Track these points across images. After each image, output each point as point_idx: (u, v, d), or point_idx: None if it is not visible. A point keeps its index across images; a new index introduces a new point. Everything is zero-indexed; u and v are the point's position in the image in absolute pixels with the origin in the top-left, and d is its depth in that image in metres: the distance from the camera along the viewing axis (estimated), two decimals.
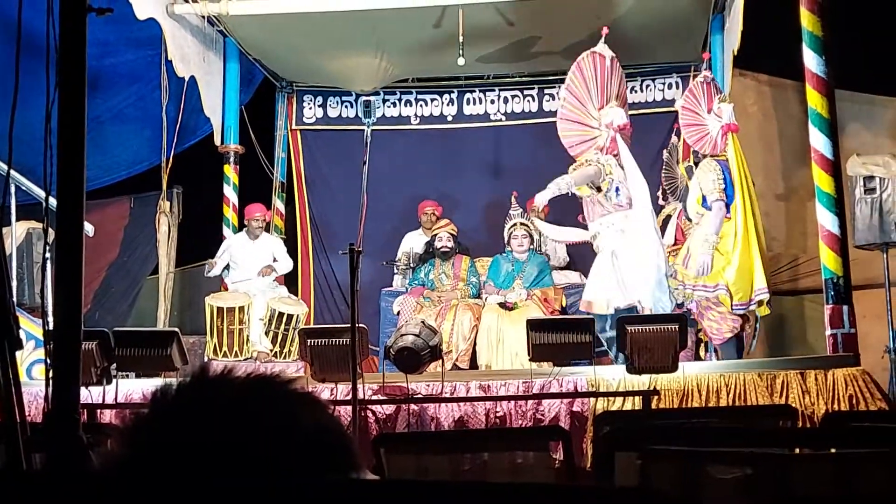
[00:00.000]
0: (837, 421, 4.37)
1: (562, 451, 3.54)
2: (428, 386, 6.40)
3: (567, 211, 8.31)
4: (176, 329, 6.64)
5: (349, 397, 5.24)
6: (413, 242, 9.31)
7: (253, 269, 8.64)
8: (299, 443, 1.06)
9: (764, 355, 8.78)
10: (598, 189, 7.42)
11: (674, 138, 8.76)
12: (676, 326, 5.98)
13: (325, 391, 6.24)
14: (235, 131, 9.54)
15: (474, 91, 10.17)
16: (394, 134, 10.08)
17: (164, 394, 1.08)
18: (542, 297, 8.18)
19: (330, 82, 10.07)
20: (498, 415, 6.24)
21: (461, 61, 8.29)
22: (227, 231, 9.42)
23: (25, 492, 0.99)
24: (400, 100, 10.26)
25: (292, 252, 9.43)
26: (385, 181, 9.50)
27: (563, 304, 8.38)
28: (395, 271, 9.25)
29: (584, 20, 8.68)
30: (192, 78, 8.79)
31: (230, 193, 9.52)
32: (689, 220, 7.55)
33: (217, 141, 9.45)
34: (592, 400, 6.18)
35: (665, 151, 8.77)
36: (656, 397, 6.00)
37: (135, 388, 6.50)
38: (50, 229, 2.26)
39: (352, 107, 10.25)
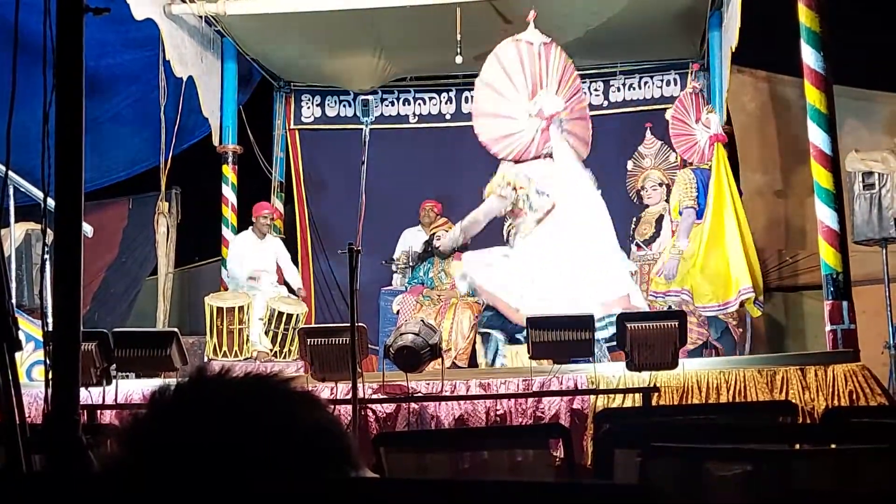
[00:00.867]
0: (837, 417, 4.37)
1: (562, 449, 3.54)
2: (428, 384, 6.40)
3: None
4: (175, 329, 6.64)
5: (349, 396, 5.24)
6: (411, 239, 9.31)
7: (258, 267, 8.64)
8: (298, 441, 1.06)
9: (764, 351, 8.79)
10: (514, 213, 7.03)
11: (645, 143, 8.77)
12: (676, 323, 5.98)
13: (324, 390, 6.24)
14: (234, 131, 9.53)
15: (472, 89, 10.14)
16: (392, 133, 10.08)
17: (162, 395, 1.08)
18: None
19: (328, 82, 10.07)
20: (498, 413, 6.24)
21: (459, 60, 8.29)
22: (225, 231, 9.41)
23: (25, 493, 0.99)
24: (398, 98, 10.26)
25: (292, 251, 9.44)
26: (384, 180, 9.49)
27: None
28: (395, 270, 9.24)
29: (581, 17, 8.69)
30: (190, 78, 8.78)
31: (229, 193, 9.52)
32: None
33: (215, 141, 9.44)
34: (592, 397, 6.18)
35: (630, 161, 8.79)
36: (656, 394, 6.00)
37: (134, 388, 6.50)
38: (48, 230, 2.26)
39: (350, 106, 10.24)
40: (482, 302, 8.27)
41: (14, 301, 6.64)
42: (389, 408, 6.30)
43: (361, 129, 7.59)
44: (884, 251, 7.59)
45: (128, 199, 10.21)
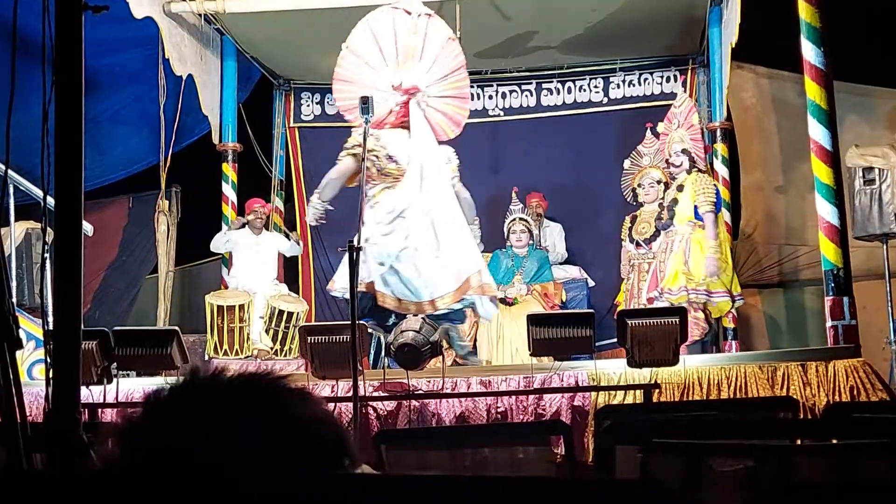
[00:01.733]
0: (839, 412, 4.37)
1: (563, 446, 3.55)
2: (429, 382, 6.40)
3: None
4: (176, 328, 6.64)
5: (350, 394, 5.24)
6: None
7: (255, 266, 8.64)
8: (294, 437, 1.06)
9: (764, 347, 8.80)
10: (368, 177, 6.58)
11: (645, 142, 8.75)
12: (677, 319, 5.98)
13: (325, 388, 6.24)
14: (233, 129, 9.52)
15: (472, 87, 10.12)
16: None
17: (157, 396, 1.08)
18: (542, 291, 8.19)
19: (328, 79, 10.04)
20: (499, 410, 6.24)
21: None
22: (226, 230, 9.41)
23: (26, 491, 0.99)
24: None
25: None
26: None
27: (564, 299, 8.39)
28: None
29: (580, 14, 8.69)
30: (190, 76, 8.78)
31: (229, 192, 9.51)
32: (665, 229, 7.74)
33: (215, 139, 9.44)
34: (593, 394, 6.18)
35: (627, 160, 8.77)
36: (657, 391, 6.00)
37: (135, 387, 6.50)
38: (49, 229, 2.26)
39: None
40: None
41: (14, 300, 6.65)
42: (390, 405, 6.30)
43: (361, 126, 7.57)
44: (884, 246, 7.59)
45: (128, 198, 10.21)
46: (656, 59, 9.71)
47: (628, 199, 8.72)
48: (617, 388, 6.17)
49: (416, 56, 6.82)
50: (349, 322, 5.29)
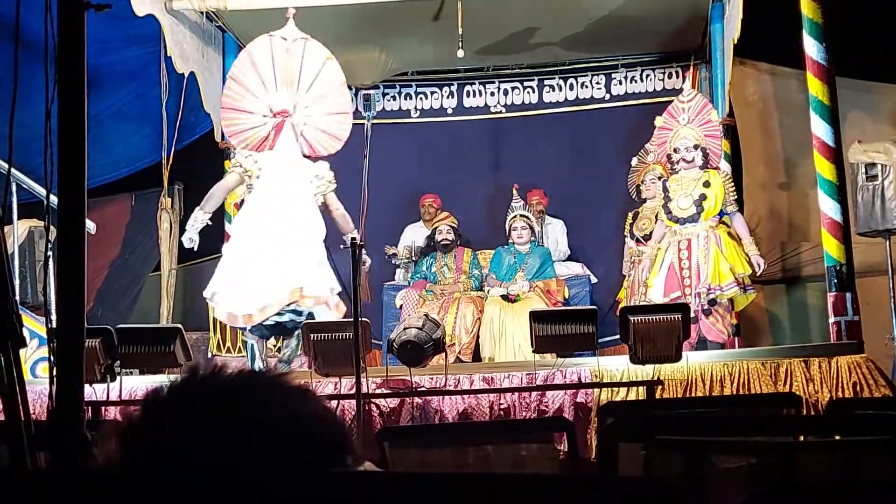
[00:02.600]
0: (842, 408, 4.37)
1: (566, 443, 3.54)
2: (431, 379, 6.41)
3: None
4: (179, 325, 6.65)
5: (353, 391, 5.24)
6: (414, 235, 9.31)
7: None
8: (295, 434, 1.06)
9: (767, 344, 8.79)
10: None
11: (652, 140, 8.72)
12: (679, 316, 5.98)
13: (328, 385, 6.24)
14: None
15: (474, 83, 10.15)
16: (394, 127, 10.07)
17: (156, 395, 1.09)
18: (544, 288, 8.19)
19: None
20: (502, 407, 6.25)
21: (460, 54, 8.28)
22: (228, 227, 9.40)
23: (29, 489, 0.99)
24: (400, 93, 10.25)
25: None
26: (386, 175, 9.49)
27: (566, 296, 8.39)
28: (397, 265, 9.25)
29: (582, 10, 8.68)
30: (192, 74, 8.77)
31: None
32: (677, 220, 7.59)
33: (217, 137, 9.42)
34: (596, 390, 6.18)
35: (635, 158, 8.75)
36: (660, 387, 6.00)
37: (139, 385, 6.51)
38: (52, 227, 2.26)
39: (352, 101, 10.23)
40: (484, 297, 8.28)
41: (18, 298, 6.65)
42: (393, 402, 6.31)
43: (363, 123, 7.58)
44: (887, 242, 7.58)
45: (130, 196, 10.21)
46: (658, 56, 9.70)
47: (633, 196, 8.71)
48: (620, 384, 6.18)
49: (293, 80, 7.16)
50: (352, 319, 5.29)
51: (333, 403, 5.76)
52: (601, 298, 8.59)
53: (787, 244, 9.26)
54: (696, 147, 7.58)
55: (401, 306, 8.46)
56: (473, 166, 10.05)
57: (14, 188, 7.13)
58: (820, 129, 6.65)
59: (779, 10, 7.33)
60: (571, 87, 10.01)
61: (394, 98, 10.25)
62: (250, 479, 0.99)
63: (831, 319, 6.60)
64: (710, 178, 7.54)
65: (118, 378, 6.18)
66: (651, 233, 8.02)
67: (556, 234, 9.25)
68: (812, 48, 6.66)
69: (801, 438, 2.85)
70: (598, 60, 9.88)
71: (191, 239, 7.04)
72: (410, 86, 10.24)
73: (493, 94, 10.13)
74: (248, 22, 8.98)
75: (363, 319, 5.74)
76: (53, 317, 2.19)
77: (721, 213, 7.47)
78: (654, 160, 8.49)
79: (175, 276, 9.17)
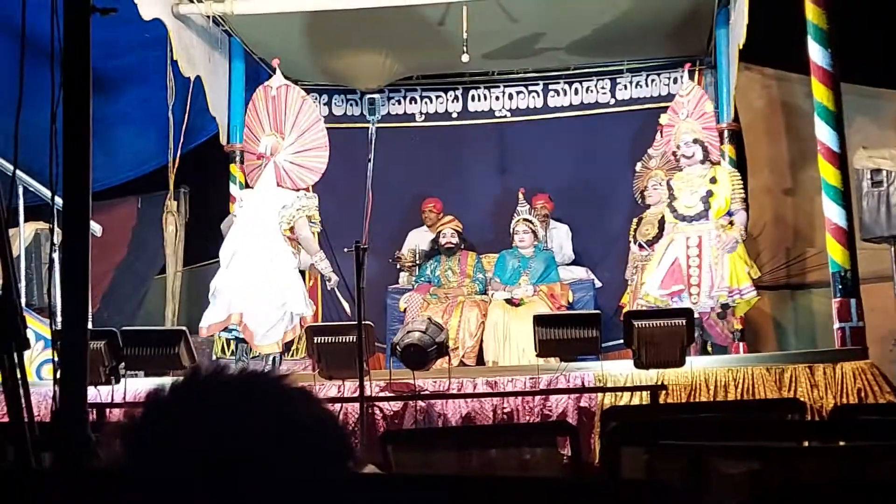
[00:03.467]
0: (846, 414, 4.37)
1: (569, 447, 3.55)
2: (435, 382, 6.41)
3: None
4: (184, 328, 6.66)
5: (356, 394, 5.25)
6: (418, 240, 9.32)
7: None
8: (296, 437, 1.06)
9: (772, 349, 8.78)
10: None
11: (655, 144, 8.71)
12: (683, 321, 5.98)
13: (332, 388, 6.25)
14: (241, 130, 9.52)
15: (479, 88, 10.16)
16: (399, 131, 10.08)
17: (158, 395, 1.09)
18: (548, 292, 8.18)
19: (334, 80, 10.08)
20: (505, 411, 6.25)
21: (465, 58, 8.29)
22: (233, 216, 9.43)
23: (33, 490, 0.99)
24: (405, 97, 10.26)
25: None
26: (390, 179, 9.50)
27: (570, 300, 8.38)
28: (400, 268, 9.25)
29: (587, 15, 8.68)
30: (198, 78, 8.79)
31: (237, 192, 9.50)
32: (685, 219, 7.53)
33: (223, 140, 9.45)
34: (600, 395, 6.18)
35: (639, 163, 8.73)
36: (664, 392, 6.00)
37: (143, 387, 6.51)
38: (57, 230, 2.27)
39: (357, 105, 10.24)
40: (488, 300, 8.28)
41: (23, 300, 6.68)
42: (397, 406, 6.31)
43: (368, 127, 7.60)
44: (892, 248, 7.57)
45: (136, 199, 10.22)
46: (663, 61, 9.69)
47: (638, 202, 8.70)
48: (623, 389, 6.17)
49: (280, 124, 7.84)
50: (356, 323, 5.30)
51: (336, 406, 5.77)
52: (605, 303, 8.58)
53: (791, 250, 9.25)
54: (695, 141, 7.53)
55: (404, 310, 8.46)
56: (478, 170, 10.06)
57: (20, 190, 7.15)
58: (825, 134, 6.64)
59: (784, 16, 7.32)
60: (577, 92, 10.02)
61: (399, 102, 10.26)
62: (250, 480, 1.00)
63: (836, 325, 6.59)
64: (716, 174, 7.46)
65: (123, 380, 6.19)
66: (654, 238, 8.01)
67: (560, 238, 9.25)
68: (817, 54, 6.66)
69: (805, 444, 2.85)
70: (603, 65, 9.88)
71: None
72: (415, 90, 10.25)
73: (498, 98, 10.14)
74: (254, 26, 9.01)
75: (366, 323, 5.75)
76: (58, 319, 2.19)
77: (730, 213, 7.39)
78: (657, 165, 8.48)
79: (180, 279, 9.18)
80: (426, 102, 10.27)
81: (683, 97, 7.91)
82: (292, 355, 8.23)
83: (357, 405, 5.18)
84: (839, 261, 6.58)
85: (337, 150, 10.25)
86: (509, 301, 8.15)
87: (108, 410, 6.08)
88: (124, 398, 6.18)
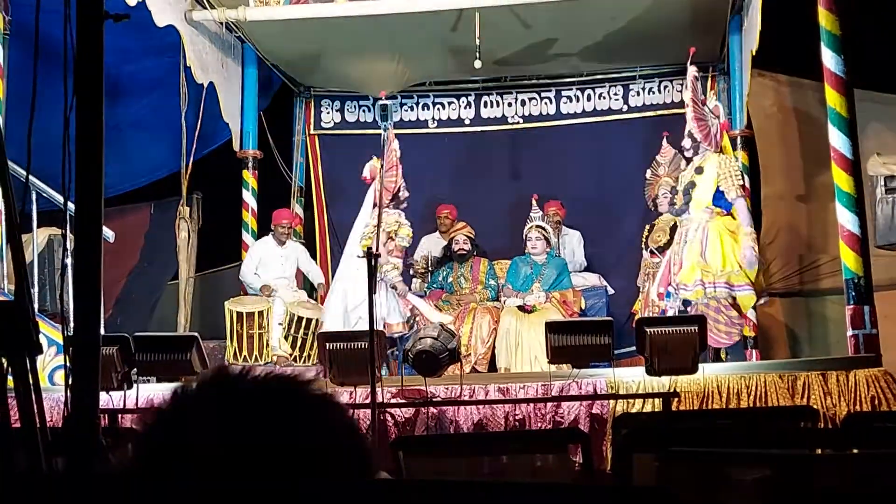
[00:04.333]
0: (859, 422, 4.35)
1: (581, 454, 3.54)
2: (447, 389, 6.40)
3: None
4: (196, 334, 6.67)
5: (368, 401, 5.25)
6: (431, 246, 9.32)
7: (278, 275, 8.67)
8: (317, 441, 1.06)
9: (785, 356, 8.74)
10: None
11: (662, 152, 8.68)
12: (696, 328, 5.96)
13: (343, 395, 6.24)
14: (254, 137, 9.56)
15: (492, 94, 10.16)
16: (411, 138, 10.09)
17: (184, 392, 1.09)
18: (560, 299, 8.17)
19: (347, 87, 10.10)
20: (517, 417, 6.23)
21: (478, 64, 8.29)
22: (246, 236, 9.44)
23: (45, 495, 0.99)
24: (417, 103, 10.27)
25: (311, 256, 9.45)
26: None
27: (583, 307, 8.37)
28: (413, 274, 9.25)
29: (600, 22, 8.67)
30: (211, 84, 8.82)
31: (249, 199, 9.55)
32: (677, 214, 7.48)
33: (236, 146, 9.48)
34: (612, 402, 6.16)
35: (648, 170, 8.70)
36: (676, 399, 5.98)
37: (155, 392, 6.53)
38: (70, 235, 2.27)
39: (369, 111, 10.26)
40: (500, 307, 8.27)
41: (36, 305, 6.71)
42: (408, 412, 6.30)
43: (381, 133, 7.60)
44: None
45: (149, 205, 10.26)
46: (676, 67, 9.67)
47: (651, 208, 8.68)
48: (636, 396, 6.15)
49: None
50: (367, 329, 5.30)
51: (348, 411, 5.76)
52: (618, 310, 8.56)
53: (805, 256, 9.22)
54: (688, 134, 7.46)
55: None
56: (491, 176, 10.06)
57: (34, 196, 7.18)
58: (838, 141, 6.62)
59: (797, 22, 7.31)
60: (589, 98, 10.01)
61: (412, 108, 10.27)
62: (268, 483, 1.00)
63: (849, 332, 6.56)
64: (704, 163, 7.30)
65: (135, 386, 6.21)
66: (665, 245, 8.00)
67: (572, 244, 9.24)
68: (830, 60, 6.64)
69: (818, 451, 2.84)
70: (615, 71, 9.87)
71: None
72: (428, 96, 10.26)
73: (510, 104, 10.14)
74: (267, 33, 9.04)
75: (378, 329, 5.75)
76: (71, 324, 2.20)
77: (719, 202, 7.17)
78: (665, 173, 8.46)
79: (193, 285, 9.20)
80: (439, 108, 10.28)
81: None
82: (304, 361, 8.23)
83: (369, 411, 5.18)
84: (852, 268, 6.55)
85: (350, 156, 10.30)
86: (521, 308, 8.14)
87: (119, 416, 6.10)
88: (136, 404, 6.20)
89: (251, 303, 8.34)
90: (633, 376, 6.30)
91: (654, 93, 9.84)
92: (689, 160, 7.68)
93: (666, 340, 5.91)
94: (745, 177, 7.32)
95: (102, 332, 2.36)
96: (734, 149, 8.89)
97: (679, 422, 4.94)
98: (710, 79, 9.47)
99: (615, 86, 9.92)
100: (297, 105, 10.46)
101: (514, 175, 10.05)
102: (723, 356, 7.43)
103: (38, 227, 7.60)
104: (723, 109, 7.54)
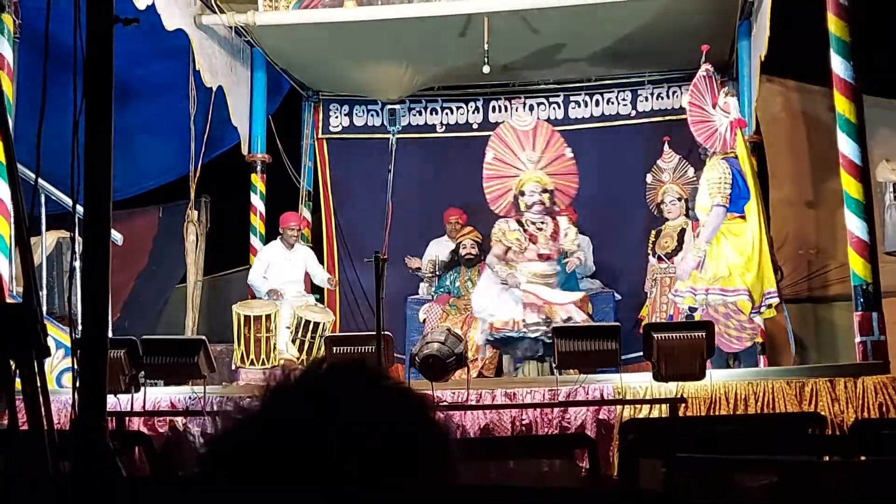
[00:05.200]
0: (867, 429, 4.33)
1: (588, 459, 3.53)
2: (453, 394, 6.40)
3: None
4: (203, 337, 6.68)
5: None
6: (438, 250, 9.32)
7: (286, 278, 8.69)
8: (421, 440, 1.04)
9: (792, 363, 8.71)
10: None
11: (664, 157, 8.67)
12: (703, 333, 5.95)
13: None
14: (262, 141, 9.58)
15: (500, 99, 10.16)
16: (419, 142, 10.10)
17: (286, 382, 1.05)
18: None
19: (356, 91, 10.12)
20: (524, 422, 6.23)
21: (486, 69, 8.30)
22: (254, 240, 9.46)
23: (52, 498, 1.00)
24: (425, 108, 10.28)
25: (318, 260, 9.47)
26: (410, 189, 9.51)
27: (590, 312, 8.36)
28: (421, 279, 9.26)
29: (609, 26, 8.67)
30: (220, 88, 8.85)
31: (257, 202, 9.57)
32: (696, 220, 7.48)
33: (244, 150, 9.50)
34: (619, 407, 6.15)
35: (649, 175, 8.68)
36: (683, 405, 5.96)
37: (162, 395, 6.54)
38: (78, 238, 2.28)
39: (378, 115, 10.27)
40: None
41: (44, 308, 6.73)
42: None
43: (389, 138, 7.62)
44: None
45: (158, 208, 10.28)
46: (685, 73, 9.66)
47: (655, 213, 8.68)
48: (642, 401, 6.14)
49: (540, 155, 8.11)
50: (374, 332, 5.31)
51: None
52: (625, 315, 8.56)
53: (813, 263, 9.19)
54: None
55: (424, 320, 8.46)
56: None
57: (43, 199, 7.21)
58: (847, 147, 6.60)
59: (806, 28, 7.30)
60: (597, 104, 10.01)
61: (420, 113, 10.28)
62: (377, 486, 0.97)
63: (857, 339, 6.54)
64: (706, 167, 7.26)
65: (142, 389, 6.22)
66: (673, 251, 7.99)
67: (582, 250, 9.22)
68: (839, 66, 6.63)
69: (826, 458, 2.83)
70: (624, 77, 9.87)
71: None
72: (436, 101, 10.27)
73: (518, 109, 10.14)
74: (276, 37, 9.06)
75: (385, 333, 5.76)
76: (79, 327, 2.21)
77: (718, 205, 7.04)
78: (669, 179, 8.45)
79: (200, 288, 9.21)
80: (447, 113, 10.29)
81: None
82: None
83: None
84: (861, 274, 6.53)
85: (358, 160, 10.32)
86: None
87: (127, 419, 6.11)
88: (143, 407, 6.21)
89: (259, 306, 8.35)
90: (640, 382, 6.29)
91: (662, 98, 9.83)
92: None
93: (673, 346, 5.90)
94: (738, 182, 7.13)
95: (110, 335, 2.37)
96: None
97: (686, 428, 4.93)
98: (718, 84, 9.45)
99: (624, 91, 9.92)
100: (305, 109, 10.47)
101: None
102: (730, 363, 7.41)
103: (47, 229, 7.63)
104: (734, 105, 7.36)
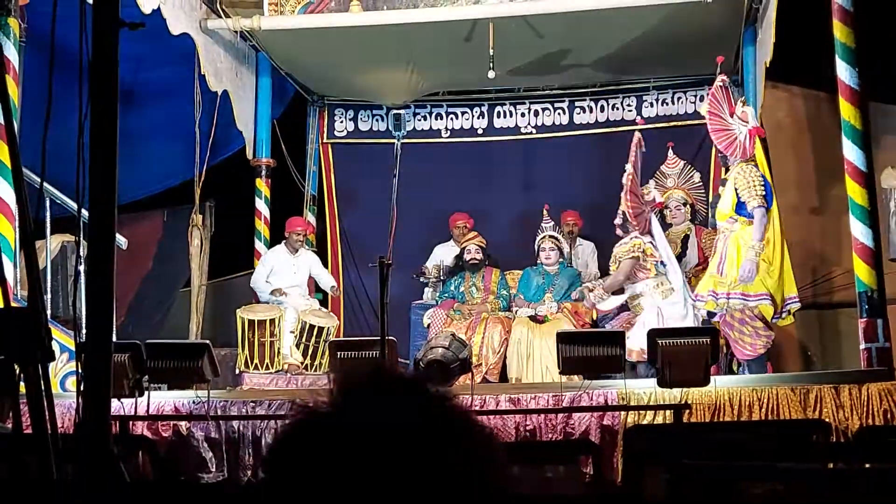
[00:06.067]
0: (872, 436, 4.32)
1: (592, 465, 3.53)
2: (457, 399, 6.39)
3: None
4: (207, 341, 6.68)
5: None
6: (443, 255, 9.31)
7: (290, 283, 8.69)
8: (478, 460, 1.03)
9: (797, 369, 8.70)
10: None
11: (668, 163, 8.67)
12: (708, 339, 5.94)
13: None
14: (267, 145, 9.59)
15: (505, 104, 10.17)
16: (424, 147, 10.10)
17: (353, 383, 1.02)
18: (572, 310, 8.16)
19: (361, 96, 10.12)
20: (528, 428, 6.22)
21: (491, 74, 8.30)
22: (258, 244, 9.46)
23: (56, 500, 1.00)
24: (430, 113, 10.28)
25: (322, 264, 9.47)
26: (415, 194, 9.51)
27: (594, 318, 8.35)
28: (426, 283, 9.25)
29: (614, 32, 8.67)
30: (225, 92, 8.86)
31: (262, 207, 9.57)
32: (714, 228, 7.47)
33: (249, 155, 9.51)
34: (623, 413, 6.14)
35: (652, 179, 8.67)
36: (687, 411, 5.95)
37: (166, 399, 6.54)
38: (83, 242, 2.28)
39: (383, 120, 10.28)
40: (512, 317, 8.26)
41: (49, 312, 6.73)
42: None
43: (394, 143, 7.62)
44: None
45: (162, 212, 10.29)
46: (690, 78, 9.68)
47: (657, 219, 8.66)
48: (647, 407, 6.13)
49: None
50: (378, 337, 5.30)
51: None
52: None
53: (818, 269, 9.18)
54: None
55: (428, 325, 8.46)
56: (503, 186, 10.06)
57: (48, 202, 7.22)
58: (852, 153, 6.60)
59: (811, 34, 7.29)
60: (602, 109, 10.01)
61: (424, 118, 10.29)
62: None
63: (862, 346, 6.52)
64: (730, 175, 7.23)
65: (146, 393, 6.22)
66: (677, 256, 7.98)
67: (586, 256, 9.22)
68: (844, 72, 6.62)
69: (831, 465, 2.82)
70: (629, 82, 9.87)
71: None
72: (441, 106, 10.28)
73: (523, 114, 10.15)
74: (281, 42, 9.07)
75: (390, 338, 5.75)
76: (83, 331, 2.21)
77: (741, 211, 7.04)
78: (673, 185, 8.44)
79: (205, 293, 9.21)
80: (452, 118, 10.29)
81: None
82: (315, 370, 8.24)
83: None
84: (866, 281, 6.52)
85: (362, 165, 10.33)
86: (533, 318, 8.13)
87: (131, 423, 6.11)
88: (147, 411, 6.21)
89: (263, 310, 8.36)
90: (644, 387, 6.29)
91: (667, 104, 9.83)
92: (727, 171, 7.60)
93: (677, 352, 5.89)
94: (768, 186, 7.12)
95: (114, 338, 2.37)
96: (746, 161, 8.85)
97: (690, 434, 4.93)
98: (735, 94, 9.45)
99: (629, 97, 9.92)
100: (310, 114, 10.48)
101: (526, 185, 10.05)
102: (735, 369, 7.39)
103: (52, 233, 7.64)
104: (752, 113, 7.35)
